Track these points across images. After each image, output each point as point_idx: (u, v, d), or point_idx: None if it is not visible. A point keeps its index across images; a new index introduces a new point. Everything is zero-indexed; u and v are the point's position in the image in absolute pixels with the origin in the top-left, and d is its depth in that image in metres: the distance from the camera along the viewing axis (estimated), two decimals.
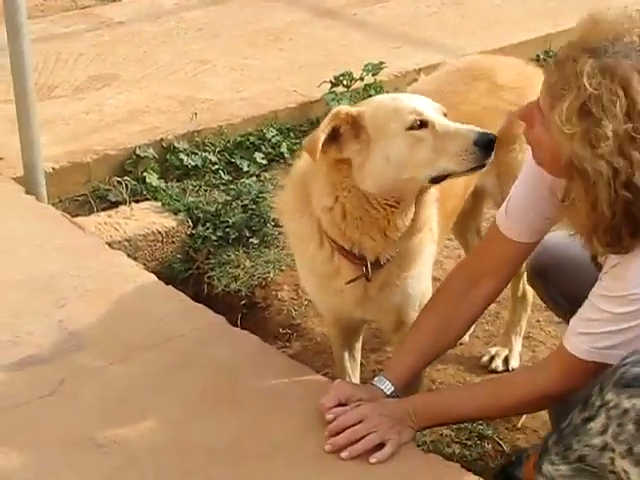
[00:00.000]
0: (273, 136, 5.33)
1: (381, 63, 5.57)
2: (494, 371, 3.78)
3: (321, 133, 2.78)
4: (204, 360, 3.23)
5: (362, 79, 5.56)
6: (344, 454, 2.75)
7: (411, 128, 2.75)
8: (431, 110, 2.79)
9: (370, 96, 5.40)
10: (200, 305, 3.59)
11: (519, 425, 3.50)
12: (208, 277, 4.40)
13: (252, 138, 5.32)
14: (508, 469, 2.98)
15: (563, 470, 2.63)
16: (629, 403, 2.42)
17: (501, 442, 3.43)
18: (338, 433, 2.78)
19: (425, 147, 2.74)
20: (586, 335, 2.64)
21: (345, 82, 5.55)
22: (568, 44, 2.52)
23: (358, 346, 3.48)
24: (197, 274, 4.49)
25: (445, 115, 2.82)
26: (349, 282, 2.99)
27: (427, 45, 6.44)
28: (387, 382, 2.91)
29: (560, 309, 3.28)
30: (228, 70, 6.13)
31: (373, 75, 5.56)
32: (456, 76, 3.48)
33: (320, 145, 2.77)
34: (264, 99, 5.65)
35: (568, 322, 3.27)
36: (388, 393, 2.90)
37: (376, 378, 2.96)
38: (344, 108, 2.86)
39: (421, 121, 2.75)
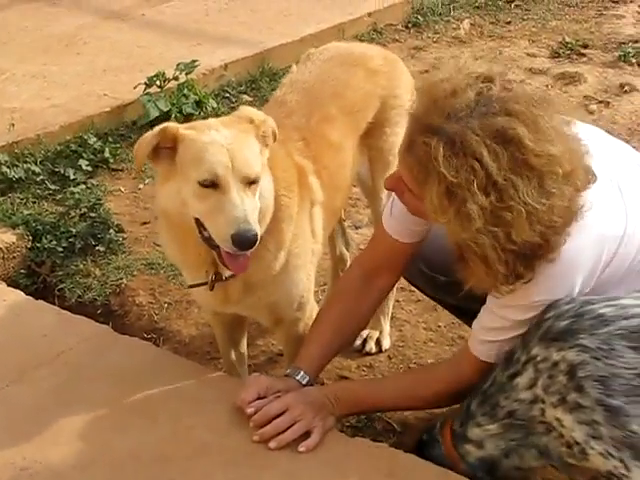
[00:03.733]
0: (94, 142, 5.22)
1: (194, 61, 5.58)
2: (368, 353, 3.87)
3: (145, 147, 2.83)
4: (102, 371, 3.17)
5: (177, 79, 5.54)
6: (272, 444, 2.79)
7: (203, 183, 2.73)
8: (230, 173, 2.72)
9: (185, 96, 5.44)
10: (79, 316, 3.52)
11: None
12: (59, 290, 4.30)
13: (73, 145, 5.21)
14: (424, 452, 2.97)
15: (492, 429, 2.76)
16: (559, 356, 2.56)
17: (390, 421, 3.51)
18: (263, 424, 2.82)
19: (206, 205, 2.73)
20: (493, 343, 2.79)
21: (159, 82, 5.51)
22: (413, 119, 2.60)
23: (243, 340, 3.54)
24: (43, 287, 4.37)
25: (251, 182, 2.75)
26: (191, 286, 3.07)
27: (226, 41, 6.49)
28: (301, 372, 2.97)
29: (425, 278, 3.35)
30: (29, 78, 5.97)
31: (187, 74, 5.55)
32: (333, 64, 3.53)
33: (140, 162, 2.92)
34: (76, 105, 5.54)
35: (429, 291, 3.45)
36: (304, 383, 2.95)
37: (289, 370, 3.01)
38: (172, 126, 2.86)
39: (213, 182, 2.73)
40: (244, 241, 2.66)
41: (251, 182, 2.75)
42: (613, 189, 2.73)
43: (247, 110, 2.98)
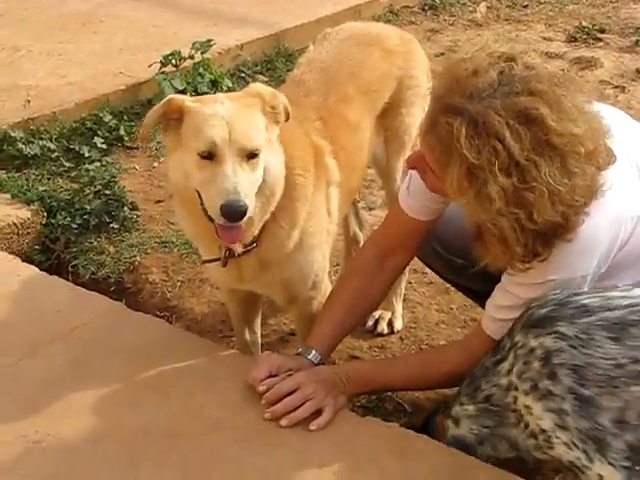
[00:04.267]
0: (109, 120, 5.24)
1: (209, 41, 5.59)
2: (380, 334, 3.88)
3: (151, 116, 2.87)
4: (115, 347, 3.18)
5: (192, 57, 5.56)
6: (283, 422, 2.80)
7: (201, 154, 2.73)
8: (227, 145, 2.70)
9: (200, 75, 5.44)
10: (93, 293, 3.54)
11: None
12: (72, 266, 4.31)
13: (88, 123, 5.24)
14: (427, 426, 3.00)
15: (470, 410, 2.78)
16: (536, 342, 2.56)
17: (401, 401, 3.52)
18: (275, 402, 2.83)
19: (203, 176, 2.73)
20: (505, 321, 2.77)
21: (174, 61, 5.53)
22: (435, 99, 2.58)
23: (257, 320, 3.54)
24: (57, 264, 4.39)
25: (250, 155, 2.74)
26: (205, 262, 3.09)
27: (242, 21, 6.50)
28: (313, 351, 2.97)
29: (442, 261, 3.35)
30: (45, 55, 6.00)
31: (202, 53, 5.56)
32: (349, 44, 3.53)
33: (145, 130, 2.95)
34: (92, 83, 5.57)
35: (445, 273, 3.44)
36: (315, 362, 2.96)
37: (301, 348, 3.02)
38: (178, 98, 2.88)
39: (210, 153, 2.72)
40: (232, 212, 2.64)
41: (249, 155, 2.74)
42: (631, 169, 2.72)
43: (257, 86, 2.97)
